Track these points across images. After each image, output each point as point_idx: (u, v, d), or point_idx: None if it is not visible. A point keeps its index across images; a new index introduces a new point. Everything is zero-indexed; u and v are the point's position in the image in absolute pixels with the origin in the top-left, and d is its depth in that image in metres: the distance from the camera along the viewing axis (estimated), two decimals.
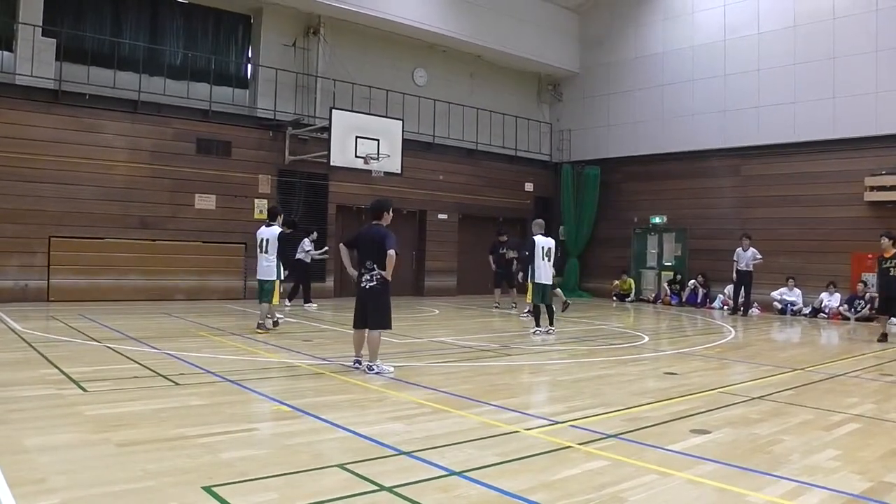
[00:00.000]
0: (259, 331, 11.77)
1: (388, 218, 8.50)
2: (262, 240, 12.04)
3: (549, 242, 12.92)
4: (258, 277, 12.11)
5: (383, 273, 8.19)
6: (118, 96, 16.99)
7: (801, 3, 19.73)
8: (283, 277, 12.33)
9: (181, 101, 17.94)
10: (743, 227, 18.95)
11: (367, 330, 8.33)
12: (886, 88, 17.95)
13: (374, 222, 8.46)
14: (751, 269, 18.20)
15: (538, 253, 12.71)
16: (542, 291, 12.80)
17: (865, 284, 17.81)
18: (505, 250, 18.59)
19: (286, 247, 12.39)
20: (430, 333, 12.61)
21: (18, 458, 4.62)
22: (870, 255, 18.07)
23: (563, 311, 15.17)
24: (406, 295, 20.90)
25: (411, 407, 6.61)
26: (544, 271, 12.72)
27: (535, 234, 13.03)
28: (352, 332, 8.63)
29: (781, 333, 15.45)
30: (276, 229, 12.04)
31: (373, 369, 8.17)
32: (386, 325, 8.37)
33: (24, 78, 15.79)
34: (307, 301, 16.76)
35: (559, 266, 16.66)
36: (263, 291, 11.98)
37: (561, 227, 17.35)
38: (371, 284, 8.23)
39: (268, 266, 11.93)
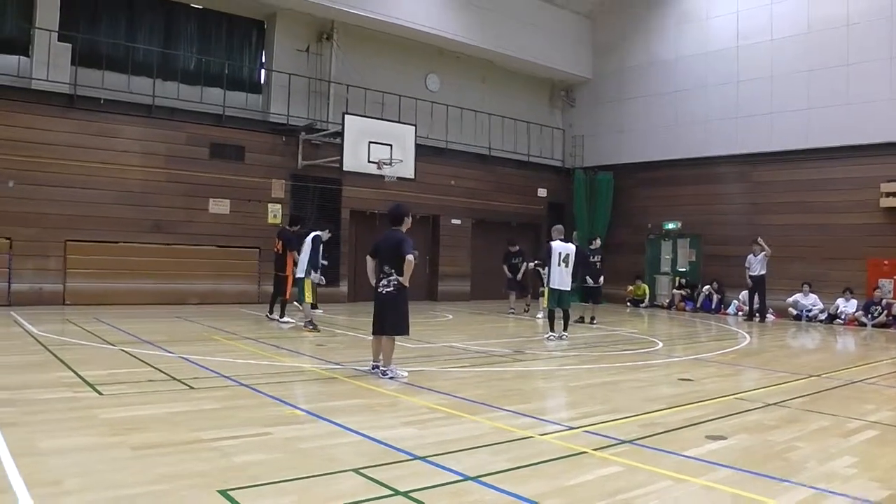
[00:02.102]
0: (306, 329, 12.73)
1: (407, 223, 8.46)
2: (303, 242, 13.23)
3: (568, 248, 12.87)
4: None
5: (400, 279, 8.14)
6: (132, 101, 17.11)
7: (815, 10, 19.65)
8: (313, 277, 12.98)
9: (195, 105, 18.05)
10: (756, 233, 18.85)
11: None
12: None
13: (393, 228, 8.40)
14: (763, 273, 18.10)
15: (554, 258, 12.66)
16: (558, 297, 12.77)
17: (881, 290, 17.68)
18: (517, 260, 18.60)
19: (320, 250, 13.14)
20: (443, 338, 12.59)
21: (34, 460, 4.64)
22: (885, 262, 17.99)
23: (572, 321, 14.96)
24: (420, 300, 20.89)
25: (425, 412, 6.60)
26: (559, 277, 12.68)
27: (553, 239, 13.01)
28: (370, 338, 8.63)
29: (797, 339, 15.35)
30: (314, 233, 13.06)
31: (387, 374, 8.16)
32: (402, 330, 8.31)
33: (39, 82, 15.93)
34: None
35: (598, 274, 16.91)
36: (300, 290, 13.00)
37: (597, 239, 17.54)
38: (388, 290, 8.17)
39: (300, 264, 12.98)
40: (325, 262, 13.50)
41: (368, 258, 8.49)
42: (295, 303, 13.90)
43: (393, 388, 7.64)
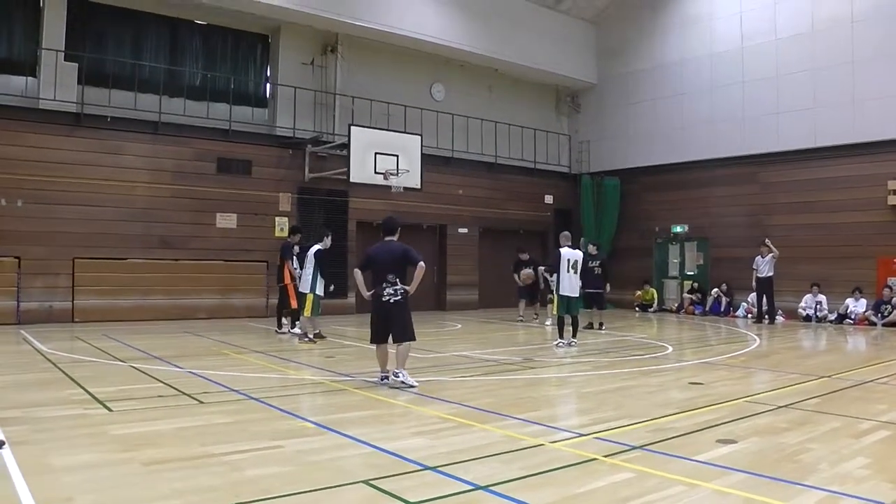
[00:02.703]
0: (301, 343, 12.80)
1: (398, 234, 8.74)
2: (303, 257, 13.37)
3: (576, 255, 12.86)
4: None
5: (407, 287, 8.34)
6: (139, 118, 17.20)
7: (819, 9, 19.60)
8: (318, 291, 12.93)
9: (201, 121, 18.13)
10: (764, 234, 18.80)
11: (392, 344, 8.41)
12: None
13: (387, 238, 8.61)
14: (771, 274, 18.00)
15: (563, 265, 12.64)
16: (567, 303, 12.76)
17: (892, 289, 17.56)
18: (528, 269, 18.49)
19: (324, 264, 13.08)
20: (453, 348, 12.57)
21: (46, 477, 4.65)
22: (895, 260, 17.89)
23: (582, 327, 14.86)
24: (428, 309, 20.87)
25: (435, 421, 6.59)
26: (568, 283, 12.66)
27: (561, 245, 12.99)
28: (373, 347, 8.67)
29: (807, 341, 15.28)
30: (315, 247, 13.05)
31: (398, 376, 8.26)
32: (412, 336, 8.47)
33: (47, 102, 16.03)
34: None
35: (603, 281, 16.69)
36: (303, 304, 13.07)
37: (590, 244, 17.34)
38: (396, 299, 8.30)
39: (303, 279, 13.04)
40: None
41: (357, 271, 8.63)
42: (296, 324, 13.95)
43: (403, 399, 7.63)
